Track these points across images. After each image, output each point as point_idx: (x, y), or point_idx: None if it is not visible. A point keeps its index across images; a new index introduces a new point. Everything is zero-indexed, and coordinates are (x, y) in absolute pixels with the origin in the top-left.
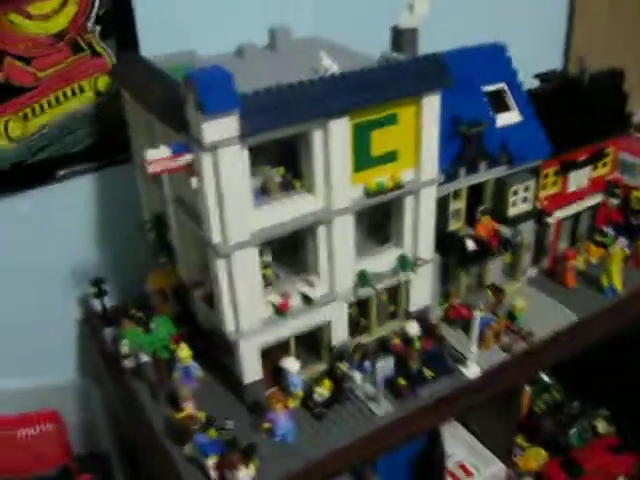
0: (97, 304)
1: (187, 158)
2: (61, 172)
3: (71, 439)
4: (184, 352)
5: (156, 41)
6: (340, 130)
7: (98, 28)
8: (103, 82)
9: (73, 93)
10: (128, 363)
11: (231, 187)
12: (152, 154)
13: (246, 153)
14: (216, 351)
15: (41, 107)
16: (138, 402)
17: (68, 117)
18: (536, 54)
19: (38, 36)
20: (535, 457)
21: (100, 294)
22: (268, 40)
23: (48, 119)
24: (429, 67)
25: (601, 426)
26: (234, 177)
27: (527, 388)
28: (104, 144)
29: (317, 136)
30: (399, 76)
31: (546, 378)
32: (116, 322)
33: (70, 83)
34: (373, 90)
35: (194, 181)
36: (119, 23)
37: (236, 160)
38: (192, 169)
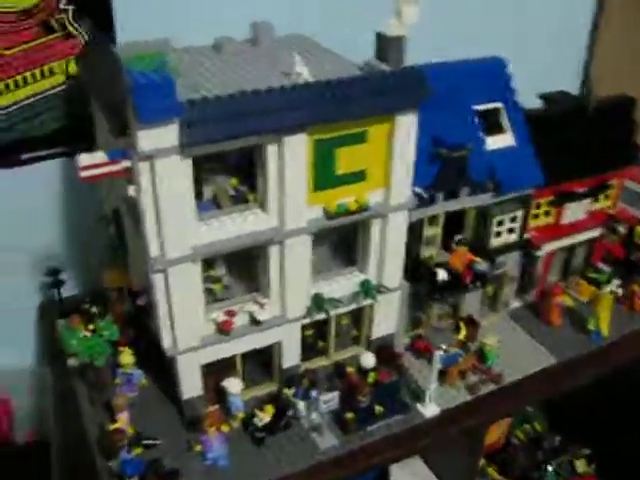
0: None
1: (123, 165)
2: (25, 155)
3: (23, 424)
4: (126, 358)
5: (136, 24)
6: (296, 146)
7: (71, 8)
8: (75, 65)
9: (42, 74)
10: (72, 361)
11: (170, 199)
12: (85, 159)
13: (189, 163)
14: (162, 358)
15: (7, 86)
16: (77, 404)
17: (36, 99)
18: (553, 74)
19: (5, 10)
20: None
21: (57, 284)
22: (250, 34)
23: (14, 99)
24: (404, 82)
25: (580, 465)
26: (174, 189)
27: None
28: (72, 129)
29: (271, 151)
30: (368, 91)
31: (529, 407)
32: (71, 314)
33: (40, 64)
34: (335, 106)
35: (131, 189)
36: (94, 4)
37: (176, 171)
38: (130, 176)
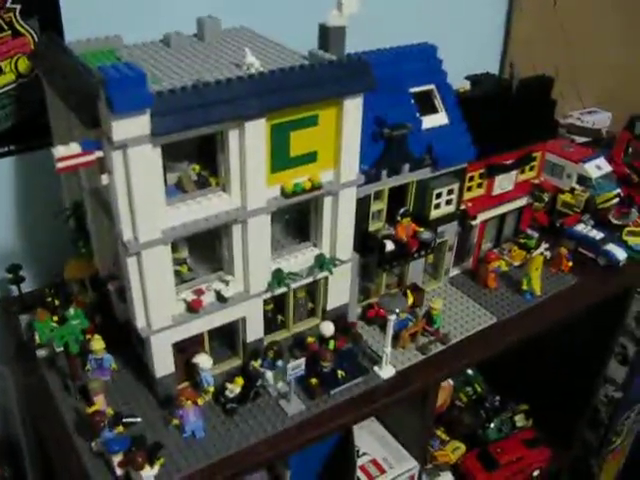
0: (14, 289)
1: (97, 155)
2: None
3: None
4: (97, 344)
5: (82, 22)
6: (256, 131)
7: (18, 7)
8: (24, 63)
9: None
10: (41, 352)
11: (142, 185)
12: (60, 151)
13: (158, 151)
14: (131, 342)
15: None
16: (49, 393)
17: None
18: (474, 56)
19: None
20: (453, 450)
21: (16, 280)
22: (196, 29)
23: None
24: (352, 70)
25: (519, 420)
26: (145, 175)
27: (450, 381)
28: (24, 126)
29: (232, 136)
30: (320, 78)
31: (469, 371)
32: (32, 309)
33: None
34: (292, 92)
35: (104, 178)
36: (41, 2)
37: (147, 159)
38: (103, 166)
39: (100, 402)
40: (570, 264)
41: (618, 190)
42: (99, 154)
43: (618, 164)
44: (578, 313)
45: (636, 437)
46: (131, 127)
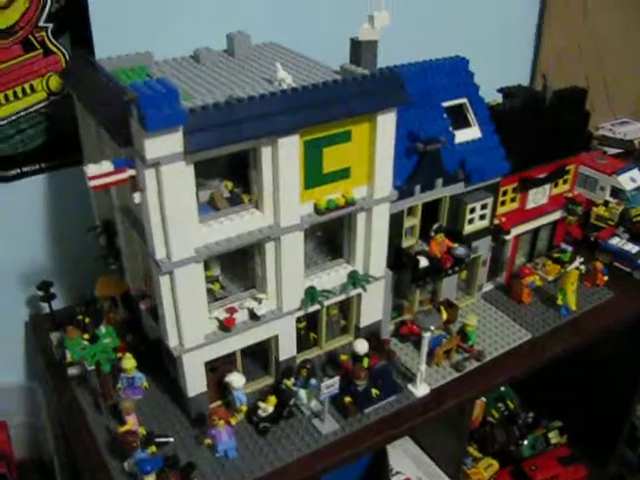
0: (45, 306)
1: (129, 173)
2: (10, 172)
3: (16, 442)
4: (129, 363)
5: (112, 40)
6: (289, 147)
7: (50, 25)
8: (56, 81)
9: (24, 92)
10: (73, 371)
11: (175, 203)
12: (93, 169)
13: (191, 169)
14: (163, 361)
15: None
16: (81, 412)
17: (18, 116)
18: (505, 68)
19: None
20: (486, 468)
21: (47, 298)
22: (226, 45)
23: None
24: (385, 84)
25: (553, 436)
26: (178, 193)
27: (482, 397)
28: (55, 144)
29: (265, 153)
30: (352, 93)
31: (501, 387)
32: (63, 326)
33: (21, 82)
34: (326, 107)
35: (137, 196)
36: (73, 21)
37: (180, 176)
38: (135, 184)
39: (132, 422)
40: (605, 278)
41: None
42: (131, 172)
43: None
44: (614, 328)
45: None
46: (164, 145)
